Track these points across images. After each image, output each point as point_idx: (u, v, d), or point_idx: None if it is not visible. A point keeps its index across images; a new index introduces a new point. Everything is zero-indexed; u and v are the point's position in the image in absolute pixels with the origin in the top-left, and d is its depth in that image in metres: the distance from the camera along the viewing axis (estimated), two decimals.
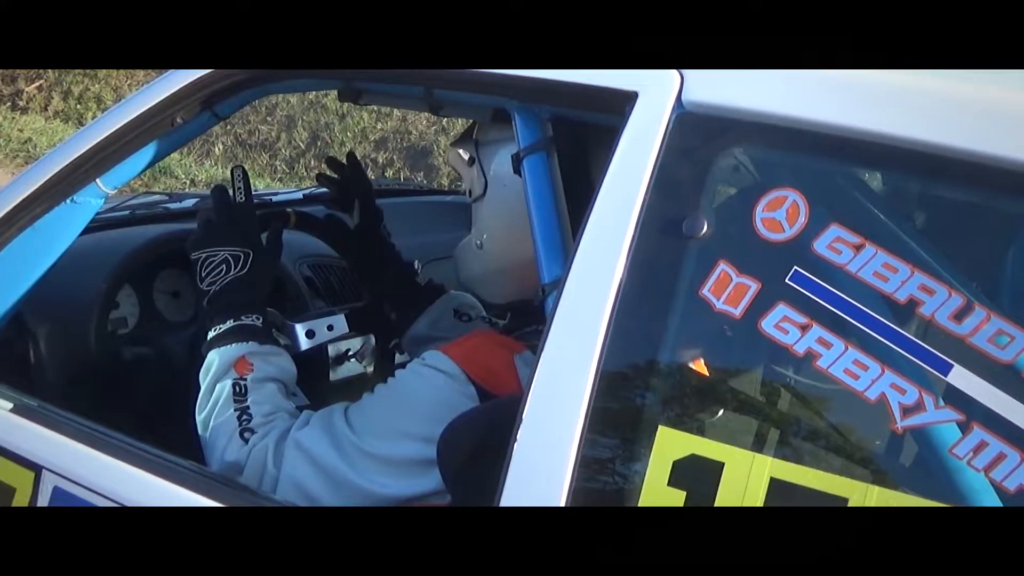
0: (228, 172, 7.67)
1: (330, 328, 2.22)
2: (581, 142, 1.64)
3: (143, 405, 2.24)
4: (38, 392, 2.07)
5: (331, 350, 2.45)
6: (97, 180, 1.97)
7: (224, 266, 1.93)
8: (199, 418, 1.83)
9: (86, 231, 2.04)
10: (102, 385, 2.26)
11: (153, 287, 2.51)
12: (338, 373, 2.48)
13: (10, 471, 1.84)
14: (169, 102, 1.86)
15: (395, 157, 8.74)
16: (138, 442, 1.76)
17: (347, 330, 2.24)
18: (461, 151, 1.90)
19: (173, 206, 2.85)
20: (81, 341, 2.26)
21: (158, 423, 2.07)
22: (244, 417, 1.78)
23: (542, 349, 1.35)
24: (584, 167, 1.62)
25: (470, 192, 1.89)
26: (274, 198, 3.02)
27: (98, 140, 1.92)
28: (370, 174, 8.25)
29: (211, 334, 1.89)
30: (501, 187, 1.81)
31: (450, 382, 1.64)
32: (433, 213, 3.42)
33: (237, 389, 1.80)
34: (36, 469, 1.80)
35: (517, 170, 1.60)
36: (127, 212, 2.72)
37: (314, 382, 2.28)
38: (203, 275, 1.94)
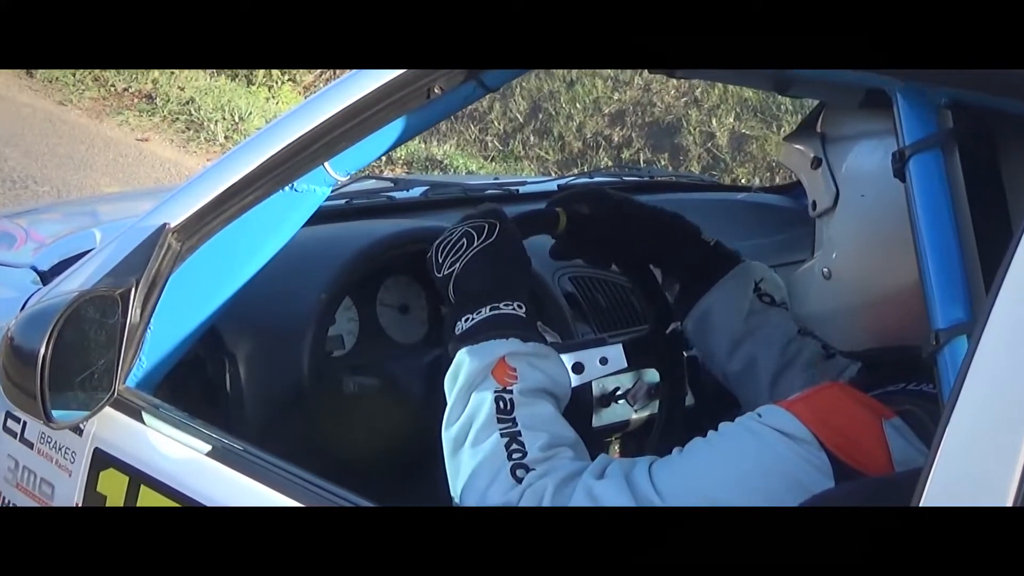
0: (430, 148, 7.74)
1: (603, 361, 2.13)
2: (989, 138, 1.51)
3: (370, 452, 2.20)
4: (234, 427, 2.07)
5: (595, 387, 2.39)
6: (326, 164, 1.95)
7: (464, 240, 1.86)
8: (447, 436, 1.74)
9: None
10: (316, 422, 2.23)
11: (377, 299, 2.49)
12: (602, 418, 2.43)
13: None
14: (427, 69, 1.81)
15: (634, 135, 8.69)
16: (371, 503, 1.72)
17: (625, 364, 2.15)
18: (801, 148, 1.80)
19: (399, 195, 2.83)
20: (291, 365, 2.24)
21: (390, 475, 2.02)
22: (514, 447, 1.67)
23: (947, 421, 1.23)
24: (994, 172, 1.49)
25: (814, 203, 1.78)
26: (521, 189, 2.96)
27: (330, 115, 1.90)
28: (603, 156, 8.30)
29: (459, 327, 1.80)
30: (858, 197, 1.70)
31: (796, 449, 1.52)
32: (707, 213, 3.33)
33: (501, 405, 1.71)
34: None
35: (899, 173, 1.48)
36: (343, 202, 2.71)
37: (573, 427, 2.21)
38: (441, 261, 1.87)
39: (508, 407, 1.70)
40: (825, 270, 1.77)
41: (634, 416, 2.49)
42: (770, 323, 2.13)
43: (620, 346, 2.16)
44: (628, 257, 2.26)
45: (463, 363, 1.76)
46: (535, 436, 1.68)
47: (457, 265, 1.84)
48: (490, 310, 1.79)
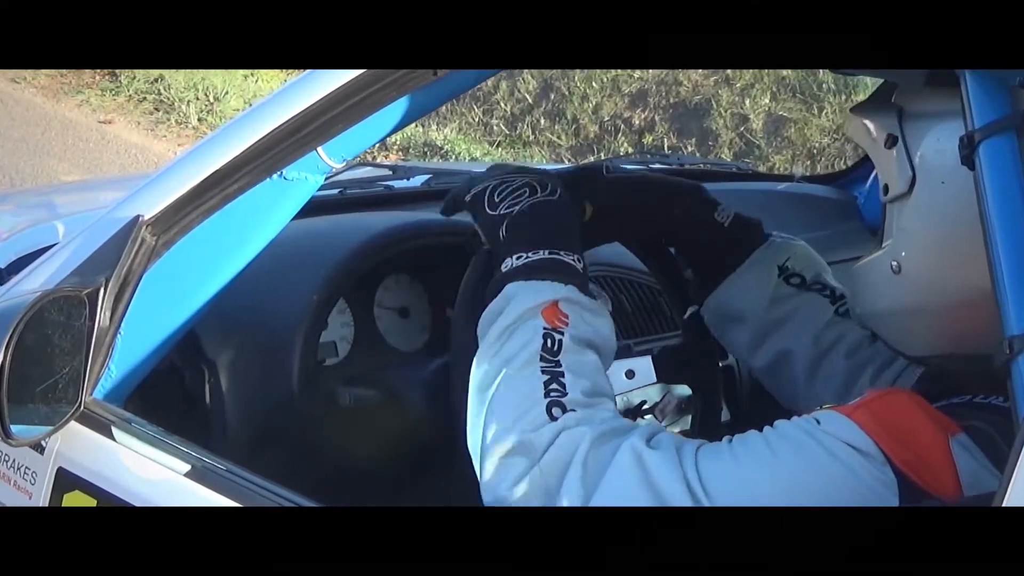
0: (428, 133, 7.73)
1: (630, 375, 2.15)
2: None
3: (368, 471, 2.22)
4: (215, 444, 2.07)
5: (618, 401, 2.39)
6: (319, 149, 1.94)
7: (527, 190, 1.89)
8: (478, 371, 1.75)
9: None
10: (307, 438, 2.24)
11: (375, 302, 2.50)
12: None
13: None
14: None
15: (657, 118, 8.69)
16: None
17: (654, 379, 2.15)
18: (873, 123, 1.79)
19: (398, 185, 2.84)
20: (278, 375, 2.24)
21: (389, 497, 2.02)
22: (554, 387, 1.68)
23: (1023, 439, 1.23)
24: None
25: (886, 187, 1.77)
26: None
27: (324, 95, 1.89)
28: (622, 142, 8.29)
29: (509, 264, 1.82)
30: (937, 184, 1.69)
31: (863, 463, 1.52)
32: (742, 206, 3.33)
33: (548, 343, 1.71)
34: None
35: (968, 159, 1.48)
36: (336, 192, 2.72)
37: None
38: (497, 201, 1.89)
39: (555, 348, 1.71)
40: (894, 264, 1.76)
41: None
42: (800, 311, 2.13)
43: (649, 359, 2.16)
44: (644, 240, 2.28)
45: (512, 296, 1.77)
46: (578, 381, 1.69)
47: (516, 207, 1.87)
48: (549, 253, 1.81)
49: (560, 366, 1.69)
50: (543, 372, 1.69)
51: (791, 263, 2.14)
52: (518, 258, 1.81)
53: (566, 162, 6.92)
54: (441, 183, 2.97)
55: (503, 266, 1.82)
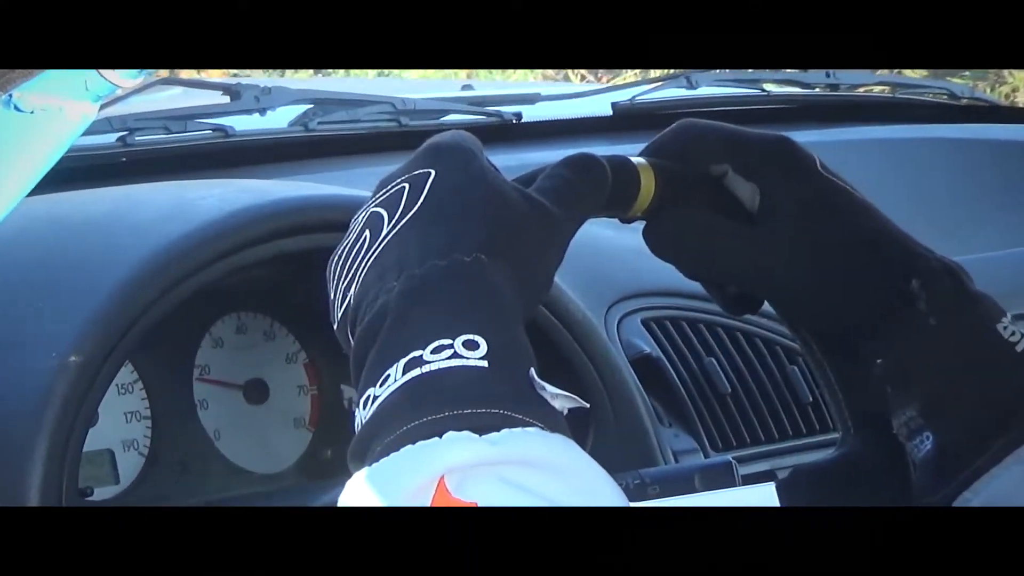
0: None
1: None
2: None
3: None
4: None
5: None
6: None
7: (368, 232, 1.63)
8: None
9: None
10: None
11: (196, 368, 2.30)
12: None
13: None
14: None
15: None
16: None
17: None
18: None
19: (239, 125, 2.65)
20: None
21: None
22: None
23: None
24: None
25: None
26: (526, 112, 2.92)
27: None
28: None
29: (358, 420, 1.52)
30: None
31: None
32: (958, 167, 3.35)
33: None
34: None
35: None
36: (116, 139, 2.54)
37: None
38: (333, 297, 1.63)
39: None
40: None
41: None
42: None
43: (772, 489, 1.95)
44: (793, 296, 1.98)
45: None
46: None
47: (351, 289, 1.61)
48: (405, 368, 1.48)
49: None
50: None
51: None
52: (365, 404, 1.49)
53: (576, 82, 6.72)
54: (328, 125, 2.79)
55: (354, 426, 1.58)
